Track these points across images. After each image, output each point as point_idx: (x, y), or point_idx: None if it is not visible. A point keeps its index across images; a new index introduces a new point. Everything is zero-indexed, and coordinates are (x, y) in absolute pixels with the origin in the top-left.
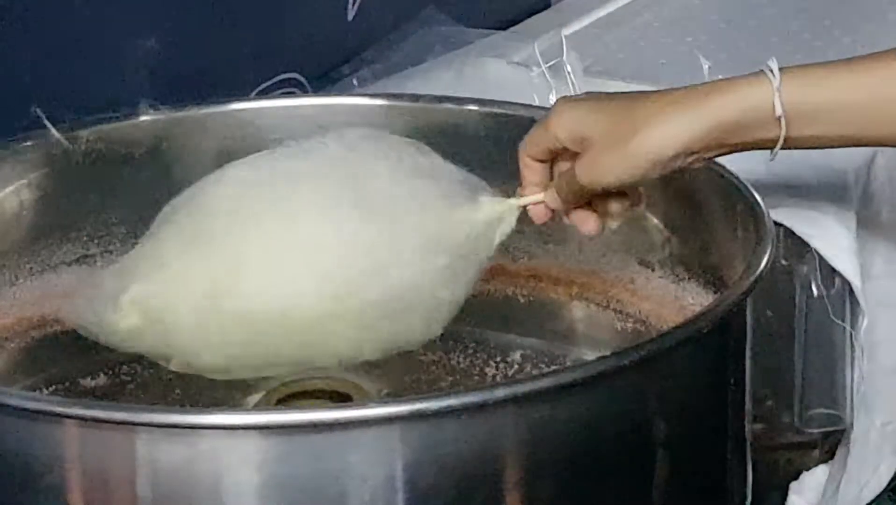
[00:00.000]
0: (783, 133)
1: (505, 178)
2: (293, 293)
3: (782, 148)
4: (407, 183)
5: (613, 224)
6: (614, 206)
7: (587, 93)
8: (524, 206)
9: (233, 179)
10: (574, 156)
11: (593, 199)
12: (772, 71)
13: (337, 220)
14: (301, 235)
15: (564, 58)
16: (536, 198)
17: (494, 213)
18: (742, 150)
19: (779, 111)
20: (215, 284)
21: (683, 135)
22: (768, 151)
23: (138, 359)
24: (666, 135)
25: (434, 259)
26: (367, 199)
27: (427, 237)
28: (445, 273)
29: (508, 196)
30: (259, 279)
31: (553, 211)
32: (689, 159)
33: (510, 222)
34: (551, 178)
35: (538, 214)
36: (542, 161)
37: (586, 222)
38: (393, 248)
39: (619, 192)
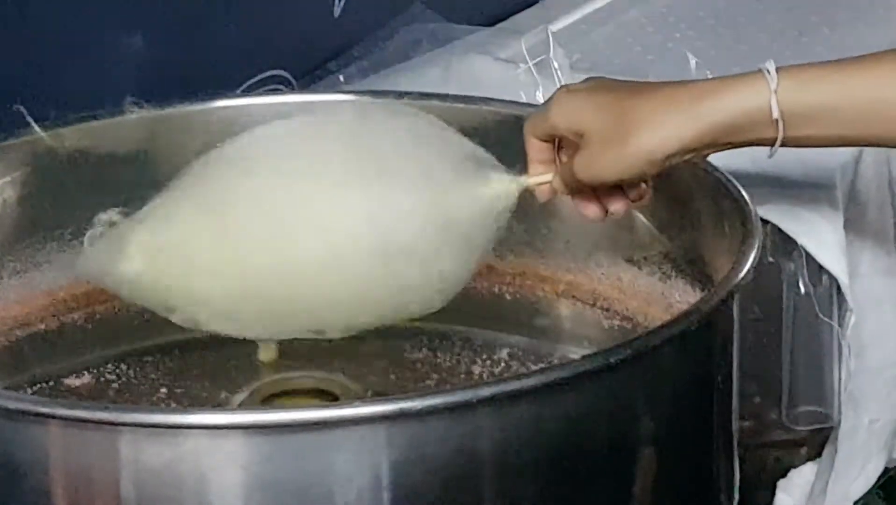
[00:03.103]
0: (781, 134)
1: None
2: (296, 250)
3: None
4: (416, 154)
5: (617, 213)
6: (617, 198)
7: (589, 78)
8: (532, 186)
9: (248, 141)
10: (575, 143)
11: (597, 188)
12: (769, 72)
13: (344, 185)
14: (308, 197)
15: (551, 54)
16: (545, 178)
17: (502, 190)
18: (740, 147)
19: (776, 114)
20: (221, 237)
21: (679, 136)
22: (756, 149)
23: (123, 358)
24: (662, 136)
25: (436, 230)
26: (378, 167)
27: (430, 208)
28: (447, 245)
29: (518, 174)
30: (263, 235)
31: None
32: (686, 157)
33: (514, 201)
34: (555, 155)
35: (543, 192)
36: (545, 141)
37: (588, 208)
38: (396, 217)
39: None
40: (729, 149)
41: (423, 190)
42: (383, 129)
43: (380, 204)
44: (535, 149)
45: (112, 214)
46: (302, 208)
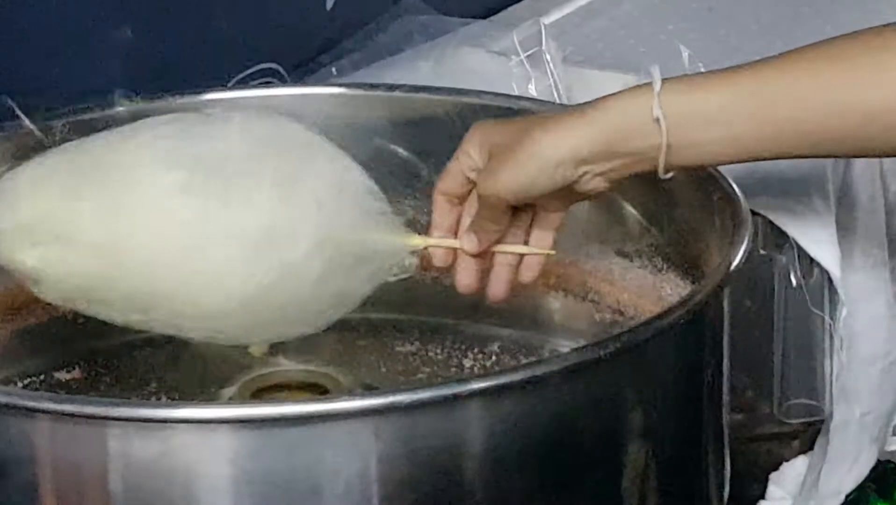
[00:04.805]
0: (664, 139)
1: None
2: (178, 260)
3: (669, 165)
4: (311, 188)
5: (526, 279)
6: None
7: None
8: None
9: (142, 136)
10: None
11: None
12: (654, 75)
13: (225, 200)
14: (193, 212)
15: (544, 47)
16: (451, 242)
17: (397, 245)
18: (633, 164)
19: (657, 112)
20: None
21: (568, 140)
22: None
23: (115, 352)
24: (551, 140)
25: (317, 266)
26: (277, 190)
27: (313, 242)
28: (322, 284)
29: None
30: (133, 235)
31: (455, 253)
32: (580, 170)
33: (410, 259)
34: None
35: (440, 256)
36: (455, 198)
37: (495, 285)
38: (277, 242)
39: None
40: (625, 165)
41: (307, 223)
42: (288, 154)
43: (267, 224)
44: (442, 212)
45: None
46: (186, 222)
